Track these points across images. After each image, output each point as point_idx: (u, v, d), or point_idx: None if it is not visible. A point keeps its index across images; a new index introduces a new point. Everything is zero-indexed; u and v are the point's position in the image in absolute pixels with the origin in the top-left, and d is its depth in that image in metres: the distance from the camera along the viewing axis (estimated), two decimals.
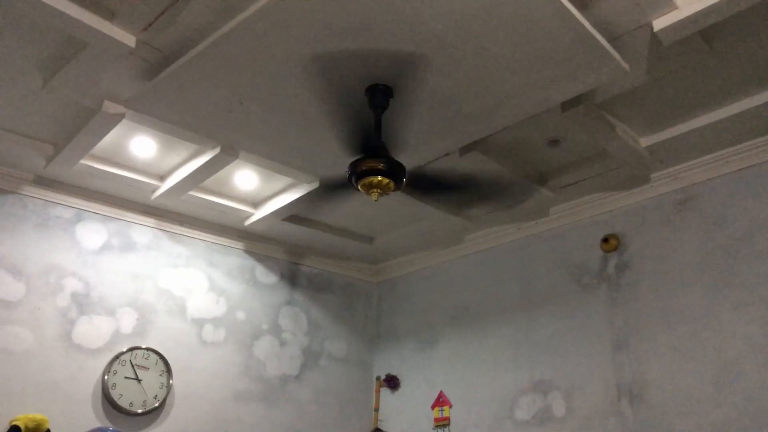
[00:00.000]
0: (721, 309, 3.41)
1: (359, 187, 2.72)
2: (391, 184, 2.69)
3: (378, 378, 5.16)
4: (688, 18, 2.50)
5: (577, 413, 3.86)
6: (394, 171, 2.69)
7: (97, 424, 3.70)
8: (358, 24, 2.44)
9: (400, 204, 4.08)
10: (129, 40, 2.70)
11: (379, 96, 2.83)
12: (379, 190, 2.68)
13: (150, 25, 2.65)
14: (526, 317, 4.32)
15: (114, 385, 3.80)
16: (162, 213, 4.32)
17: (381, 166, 2.66)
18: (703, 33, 2.73)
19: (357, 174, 2.69)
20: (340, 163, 3.01)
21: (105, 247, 4.06)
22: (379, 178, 2.66)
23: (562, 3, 2.36)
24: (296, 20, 2.43)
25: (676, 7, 2.52)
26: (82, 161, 3.69)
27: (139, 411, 3.86)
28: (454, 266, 4.93)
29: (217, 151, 3.51)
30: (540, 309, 4.25)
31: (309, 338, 4.93)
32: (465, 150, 3.47)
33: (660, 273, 3.71)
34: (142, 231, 4.25)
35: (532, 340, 4.23)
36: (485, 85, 2.82)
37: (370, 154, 2.73)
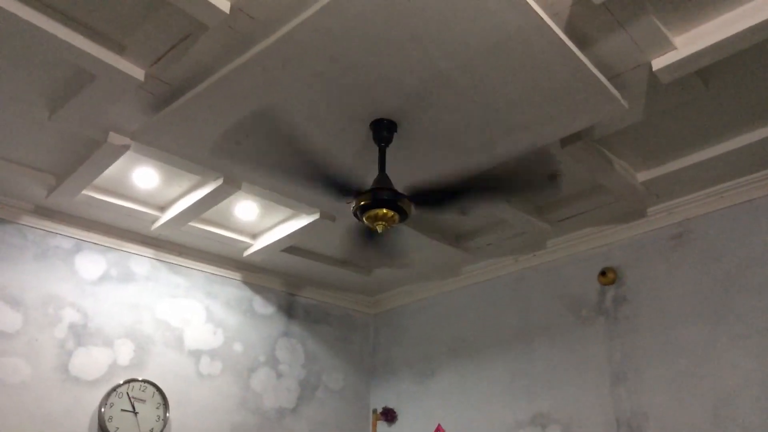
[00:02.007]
0: (718, 342, 3.44)
1: (364, 220, 2.74)
2: (396, 217, 2.72)
3: (375, 411, 5.13)
4: (686, 58, 2.58)
5: None
6: (399, 203, 2.72)
7: None
8: (367, 61, 2.50)
9: (398, 235, 4.10)
10: (138, 73, 2.74)
11: (384, 130, 2.88)
12: (384, 223, 2.70)
13: (160, 59, 2.69)
14: (524, 350, 4.33)
15: (110, 417, 3.76)
16: (161, 244, 4.32)
17: (386, 198, 2.69)
18: (699, 72, 2.80)
19: (362, 207, 2.71)
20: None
21: (104, 278, 4.04)
22: (384, 210, 2.68)
23: (564, 43, 2.42)
24: (305, 56, 2.48)
25: (675, 48, 2.60)
26: (84, 191, 3.70)
27: None
28: (451, 298, 4.94)
29: (219, 182, 3.54)
30: (538, 341, 4.27)
31: (306, 370, 4.90)
32: None
33: (657, 306, 3.74)
34: (141, 262, 4.25)
35: (531, 372, 4.23)
36: (487, 120, 2.88)
37: (375, 186, 2.76)
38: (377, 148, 2.91)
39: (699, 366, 3.48)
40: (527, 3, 2.24)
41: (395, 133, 2.91)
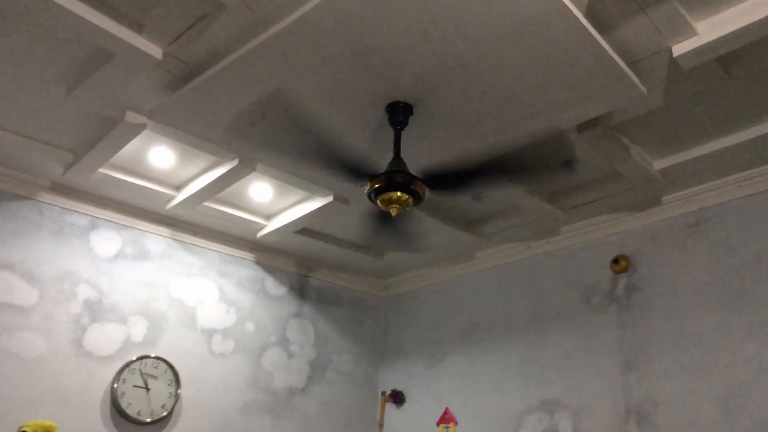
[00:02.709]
0: (731, 332, 3.43)
1: (378, 203, 2.74)
2: (410, 200, 2.71)
3: (383, 393, 5.16)
4: (707, 44, 2.54)
5: None
6: (413, 187, 2.71)
7: None
8: (385, 43, 2.48)
9: (411, 219, 4.10)
10: (156, 52, 2.74)
11: (400, 113, 2.86)
12: (398, 206, 2.70)
13: (178, 38, 2.70)
14: (535, 336, 4.33)
15: (123, 393, 3.81)
16: (176, 223, 4.35)
17: (400, 181, 2.69)
18: (720, 59, 2.77)
19: (376, 190, 2.71)
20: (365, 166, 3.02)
21: (119, 255, 4.08)
22: (399, 193, 2.68)
23: (584, 27, 2.40)
24: (323, 37, 2.48)
25: (696, 33, 2.57)
26: (100, 169, 3.72)
27: (147, 420, 3.87)
28: (463, 283, 4.95)
29: (235, 163, 3.55)
30: (549, 328, 4.27)
31: (316, 351, 4.94)
32: None
33: (670, 295, 3.73)
34: (156, 240, 4.28)
35: (541, 358, 4.24)
36: (504, 104, 2.86)
37: (390, 169, 2.76)
38: (392, 131, 2.91)
39: (711, 356, 3.47)
40: None
41: (411, 117, 2.90)
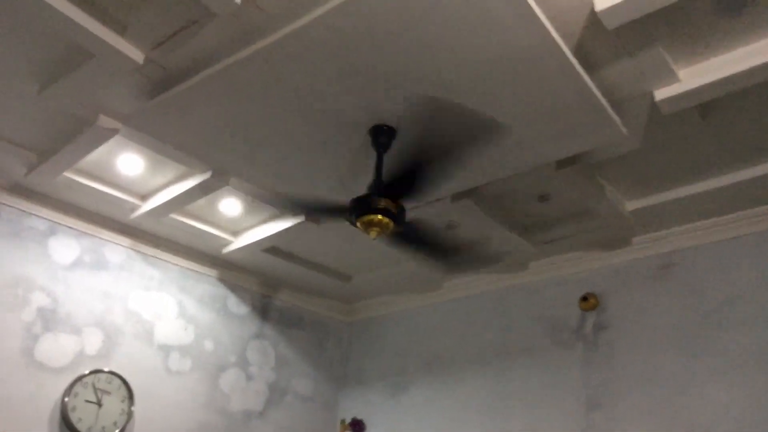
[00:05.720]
0: (696, 375, 3.46)
1: (358, 224, 2.70)
2: (391, 224, 2.68)
3: (343, 421, 5.05)
4: (689, 91, 2.60)
5: None
6: (396, 211, 2.68)
7: None
8: (375, 65, 2.46)
9: (383, 245, 4.06)
10: (137, 56, 2.66)
11: (383, 136, 2.85)
12: (378, 229, 2.66)
13: (162, 44, 2.63)
14: (500, 369, 4.30)
15: (74, 407, 3.63)
16: (138, 233, 4.22)
17: (383, 205, 2.65)
18: (698, 106, 2.83)
19: (358, 211, 2.67)
20: (336, 199, 2.99)
21: (76, 263, 3.93)
22: (380, 217, 2.65)
23: (573, 65, 2.42)
24: (312, 54, 2.44)
25: (679, 80, 2.62)
26: (65, 173, 3.59)
27: None
28: (429, 312, 4.90)
29: (207, 175, 3.47)
30: (515, 362, 4.24)
31: (276, 374, 4.81)
32: (457, 197, 3.49)
33: (637, 335, 3.75)
34: (116, 250, 4.14)
35: (505, 393, 4.21)
36: (487, 135, 2.86)
37: (372, 192, 2.73)
38: (374, 154, 2.87)
39: (675, 397, 3.49)
40: (541, 23, 2.24)
41: (394, 140, 2.88)
